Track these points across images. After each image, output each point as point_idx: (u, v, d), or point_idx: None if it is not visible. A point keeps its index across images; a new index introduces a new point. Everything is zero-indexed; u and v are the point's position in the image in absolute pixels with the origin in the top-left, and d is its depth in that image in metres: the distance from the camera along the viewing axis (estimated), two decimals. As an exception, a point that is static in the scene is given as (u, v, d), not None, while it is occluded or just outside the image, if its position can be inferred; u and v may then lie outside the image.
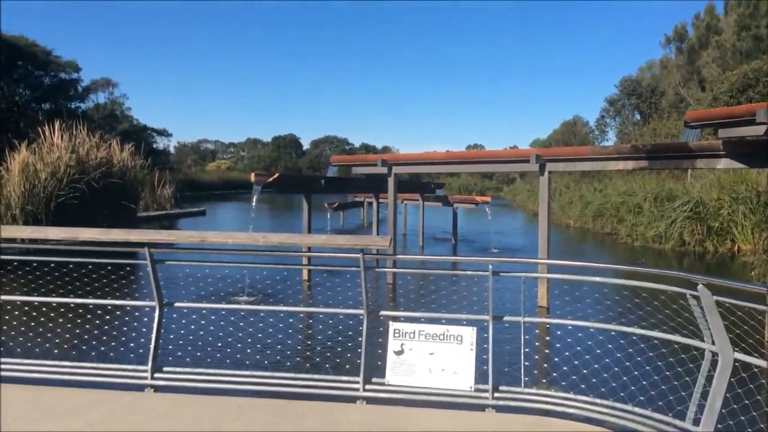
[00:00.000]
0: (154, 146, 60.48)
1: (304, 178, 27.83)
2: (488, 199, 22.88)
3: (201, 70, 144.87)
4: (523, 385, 4.37)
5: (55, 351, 5.77)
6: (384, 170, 12.80)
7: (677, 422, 3.82)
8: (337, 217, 27.89)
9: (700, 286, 3.62)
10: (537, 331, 6.74)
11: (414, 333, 4.54)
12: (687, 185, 22.74)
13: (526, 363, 4.37)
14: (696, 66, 39.76)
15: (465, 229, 24.00)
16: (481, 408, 4.27)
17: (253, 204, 12.95)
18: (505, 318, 4.56)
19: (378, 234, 16.71)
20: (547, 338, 5.99)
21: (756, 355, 3.70)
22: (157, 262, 4.74)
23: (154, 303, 4.81)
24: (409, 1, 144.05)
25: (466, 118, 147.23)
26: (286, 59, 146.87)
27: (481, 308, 4.59)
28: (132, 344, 6.02)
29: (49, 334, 6.28)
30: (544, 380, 5.05)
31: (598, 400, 4.19)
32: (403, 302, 10.79)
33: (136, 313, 6.69)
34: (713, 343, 3.75)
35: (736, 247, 18.74)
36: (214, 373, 4.73)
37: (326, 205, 25.85)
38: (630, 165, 10.04)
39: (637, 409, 4.03)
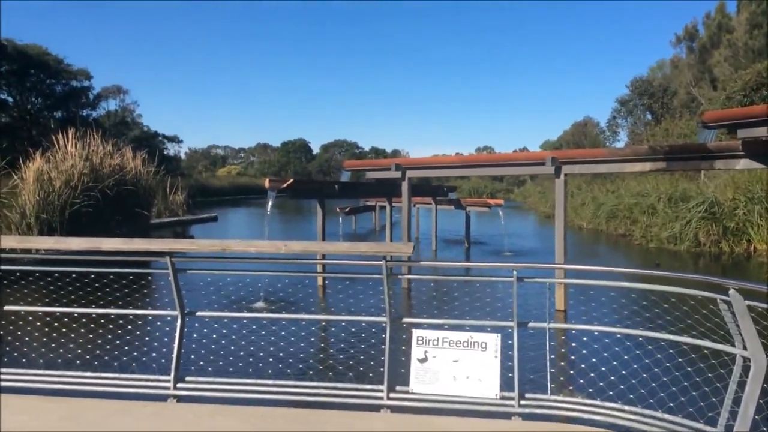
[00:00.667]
0: (165, 152, 60.76)
1: (317, 183, 27.87)
2: (501, 202, 22.84)
3: (210, 76, 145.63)
4: (549, 392, 4.31)
5: (78, 362, 5.76)
6: (398, 174, 12.79)
7: (708, 429, 3.75)
8: (349, 222, 27.94)
9: (731, 291, 3.56)
10: (563, 337, 6.69)
11: (437, 340, 4.49)
12: (701, 185, 22.56)
13: (552, 370, 4.32)
14: (707, 65, 39.51)
15: (477, 231, 23.93)
16: (507, 416, 4.22)
17: (268, 210, 12.96)
18: (530, 324, 4.50)
19: (391, 238, 16.70)
20: (573, 344, 5.91)
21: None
22: (178, 271, 4.73)
23: (176, 312, 4.79)
24: (414, 2, 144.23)
25: (475, 120, 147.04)
26: (294, 64, 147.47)
27: (505, 314, 4.54)
28: (154, 354, 6.00)
29: (71, 345, 6.29)
30: (570, 387, 4.99)
31: (626, 407, 4.12)
32: (422, 308, 10.75)
33: (158, 323, 6.67)
34: (744, 348, 3.69)
35: (752, 248, 18.57)
36: (237, 382, 4.70)
37: (338, 209, 25.88)
38: (648, 166, 9.96)
39: (666, 416, 3.96)
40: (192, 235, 25.44)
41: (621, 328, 4.65)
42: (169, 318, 5.08)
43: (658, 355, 4.54)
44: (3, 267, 5.30)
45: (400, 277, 5.27)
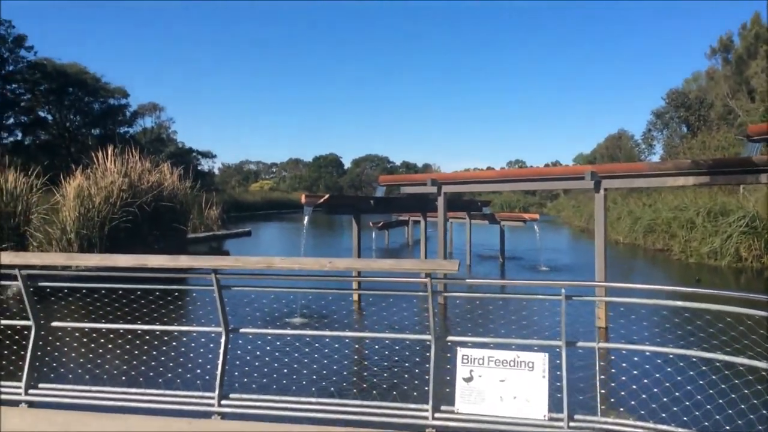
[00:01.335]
0: (199, 168, 61.67)
1: (352, 198, 28.00)
2: (537, 216, 22.57)
3: (242, 92, 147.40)
4: (599, 413, 4.21)
5: (122, 378, 5.80)
6: (434, 189, 12.75)
7: None
8: (382, 236, 27.95)
9: None
10: (612, 357, 6.55)
11: (483, 359, 4.42)
12: (740, 198, 22.06)
13: (602, 391, 4.21)
14: (744, 76, 38.87)
15: (511, 246, 23.70)
16: (557, 438, 4.13)
17: (305, 225, 13.01)
18: (579, 344, 4.40)
19: (426, 254, 16.62)
20: (624, 364, 5.77)
21: None
22: (223, 287, 4.74)
23: (221, 329, 4.80)
24: (446, 19, 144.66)
25: (506, 133, 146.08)
26: (325, 79, 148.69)
27: (542, 331, 4.45)
28: (198, 370, 6.02)
29: (116, 361, 6.34)
30: (621, 408, 4.86)
31: (680, 430, 4.00)
32: (458, 325, 10.63)
33: (202, 339, 6.71)
34: None
35: (796, 263, 18.07)
36: (280, 399, 4.68)
37: (371, 224, 25.89)
38: (690, 180, 9.74)
39: None
40: (227, 250, 25.68)
41: (674, 348, 4.52)
42: (213, 334, 5.09)
43: (713, 376, 4.39)
44: (51, 284, 5.39)
45: (448, 294, 5.21)
